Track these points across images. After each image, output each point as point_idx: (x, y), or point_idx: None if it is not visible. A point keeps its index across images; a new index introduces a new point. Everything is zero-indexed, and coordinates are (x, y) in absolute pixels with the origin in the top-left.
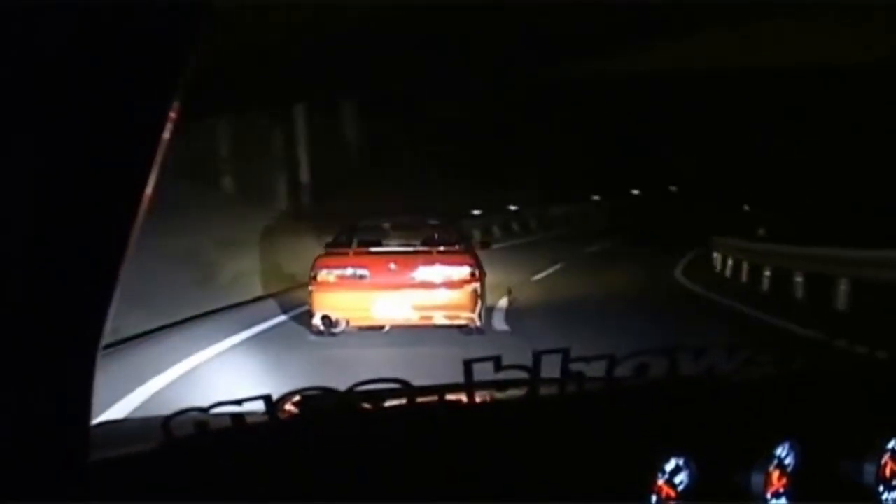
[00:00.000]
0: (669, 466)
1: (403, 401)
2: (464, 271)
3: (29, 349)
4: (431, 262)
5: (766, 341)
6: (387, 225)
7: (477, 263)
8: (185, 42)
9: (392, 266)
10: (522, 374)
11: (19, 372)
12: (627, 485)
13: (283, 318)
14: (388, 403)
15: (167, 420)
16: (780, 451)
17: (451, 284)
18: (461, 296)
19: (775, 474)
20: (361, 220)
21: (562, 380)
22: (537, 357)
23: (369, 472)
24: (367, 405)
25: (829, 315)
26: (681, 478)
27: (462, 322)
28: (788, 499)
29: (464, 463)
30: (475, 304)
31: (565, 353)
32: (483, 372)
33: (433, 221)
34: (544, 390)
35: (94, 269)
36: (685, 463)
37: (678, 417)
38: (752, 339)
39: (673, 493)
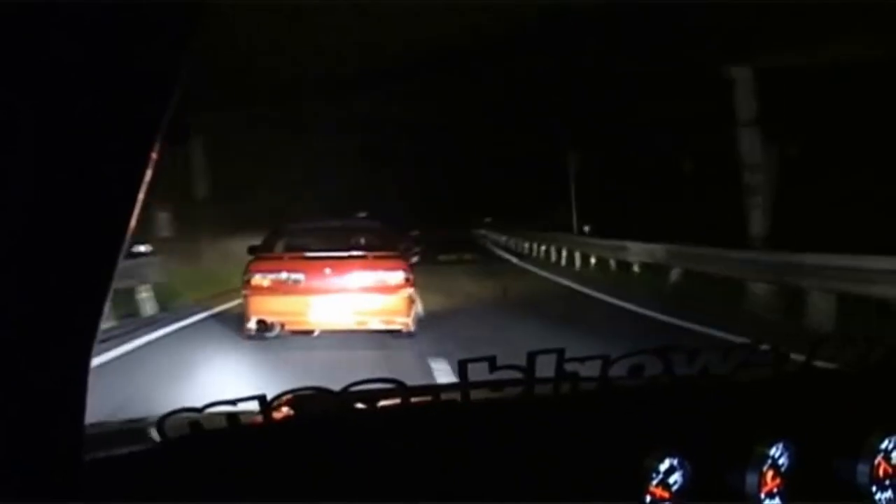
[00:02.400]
0: (663, 467)
1: (398, 401)
2: (398, 276)
3: (21, 349)
4: (367, 268)
5: (760, 341)
6: (318, 226)
7: (410, 268)
8: (182, 42)
9: (327, 271)
10: (516, 374)
11: (12, 372)
12: (621, 485)
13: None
14: (382, 403)
15: (161, 420)
16: (774, 451)
17: (386, 289)
18: (396, 301)
19: (769, 474)
20: (288, 223)
21: (556, 380)
22: (532, 357)
23: (364, 473)
24: (361, 405)
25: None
26: (675, 478)
27: (397, 327)
28: (782, 499)
29: (458, 463)
30: (410, 308)
31: (560, 354)
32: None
33: (366, 225)
34: (538, 390)
35: (87, 269)
36: (679, 463)
37: (672, 417)
38: (745, 339)
39: (667, 494)
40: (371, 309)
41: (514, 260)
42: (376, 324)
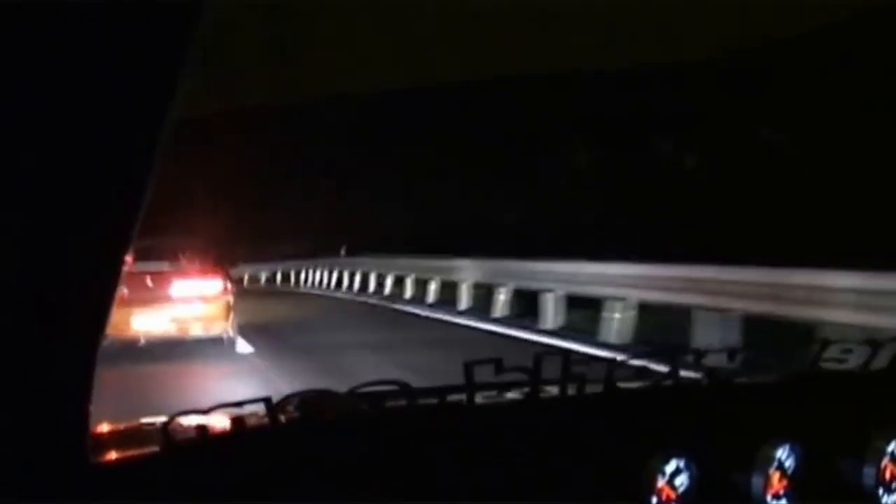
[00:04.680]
0: (669, 468)
1: (404, 402)
2: (216, 286)
3: (28, 352)
4: (186, 278)
5: (765, 344)
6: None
7: (228, 278)
8: (182, 41)
9: (149, 282)
10: (522, 376)
11: (19, 374)
12: (627, 487)
13: None
14: (388, 405)
15: (167, 422)
16: (780, 453)
17: (205, 298)
18: (215, 308)
19: (775, 476)
20: None
21: (562, 382)
22: (538, 359)
23: (370, 474)
24: (367, 407)
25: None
26: (681, 479)
27: (216, 333)
28: (788, 501)
29: (464, 464)
30: (228, 315)
31: (566, 356)
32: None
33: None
34: (544, 392)
35: (94, 271)
36: (685, 465)
37: (678, 419)
38: (751, 342)
39: (673, 495)
40: (191, 316)
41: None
42: (197, 330)
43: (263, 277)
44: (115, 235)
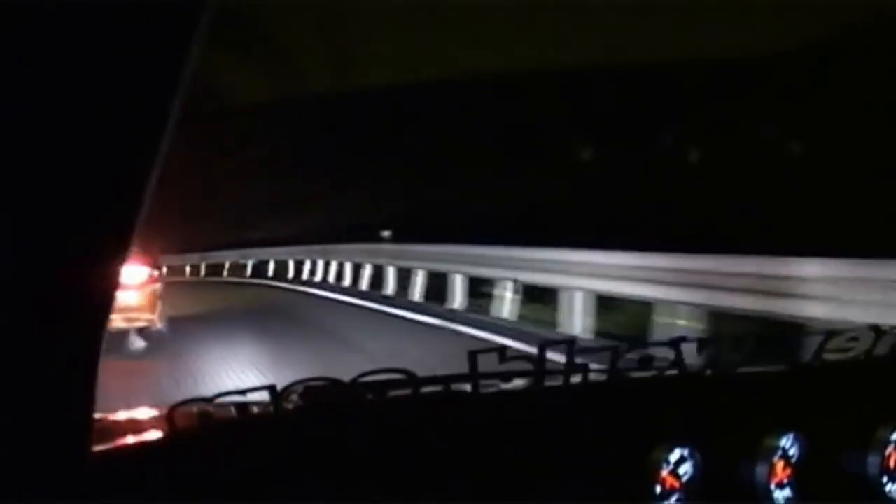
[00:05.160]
0: (674, 457)
1: (408, 391)
2: (142, 273)
3: (29, 350)
4: None
5: (771, 333)
6: None
7: (156, 266)
8: (186, 41)
9: None
10: (527, 365)
11: (22, 366)
12: (631, 476)
13: None
14: (392, 394)
15: (171, 410)
16: (785, 442)
17: (127, 287)
18: (140, 297)
19: (779, 465)
20: None
21: (566, 371)
22: (542, 347)
23: (374, 463)
24: (371, 395)
25: None
26: (685, 469)
27: (142, 324)
28: (792, 490)
29: (469, 453)
30: (155, 305)
31: (570, 344)
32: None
33: None
34: (549, 381)
35: (97, 264)
36: (689, 454)
37: (682, 408)
38: (757, 332)
39: (677, 484)
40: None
41: None
42: (120, 322)
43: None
44: (116, 232)
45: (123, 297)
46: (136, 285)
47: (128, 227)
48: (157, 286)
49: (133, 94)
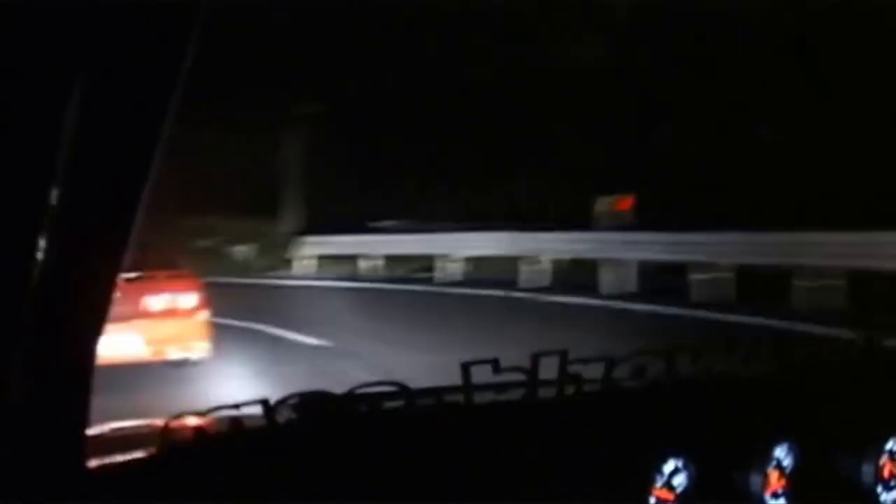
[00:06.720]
0: (668, 468)
1: (401, 403)
2: (192, 299)
3: (27, 354)
4: (158, 290)
5: (764, 341)
6: None
7: (203, 288)
8: (183, 40)
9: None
10: (520, 377)
11: (18, 377)
12: (625, 487)
13: None
14: (386, 406)
15: (164, 424)
16: (779, 451)
17: (181, 313)
18: (195, 326)
19: (774, 475)
20: None
21: (560, 382)
22: (535, 359)
23: (368, 476)
24: (365, 408)
25: None
26: (679, 479)
27: (198, 355)
28: (787, 499)
29: (462, 465)
30: (209, 333)
31: (563, 356)
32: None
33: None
34: (542, 393)
35: (92, 272)
36: (683, 464)
37: (676, 418)
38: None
39: (671, 496)
40: (167, 335)
41: None
42: (175, 353)
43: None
44: (114, 236)
45: (178, 326)
46: (187, 311)
47: (124, 233)
48: (208, 312)
49: (130, 97)
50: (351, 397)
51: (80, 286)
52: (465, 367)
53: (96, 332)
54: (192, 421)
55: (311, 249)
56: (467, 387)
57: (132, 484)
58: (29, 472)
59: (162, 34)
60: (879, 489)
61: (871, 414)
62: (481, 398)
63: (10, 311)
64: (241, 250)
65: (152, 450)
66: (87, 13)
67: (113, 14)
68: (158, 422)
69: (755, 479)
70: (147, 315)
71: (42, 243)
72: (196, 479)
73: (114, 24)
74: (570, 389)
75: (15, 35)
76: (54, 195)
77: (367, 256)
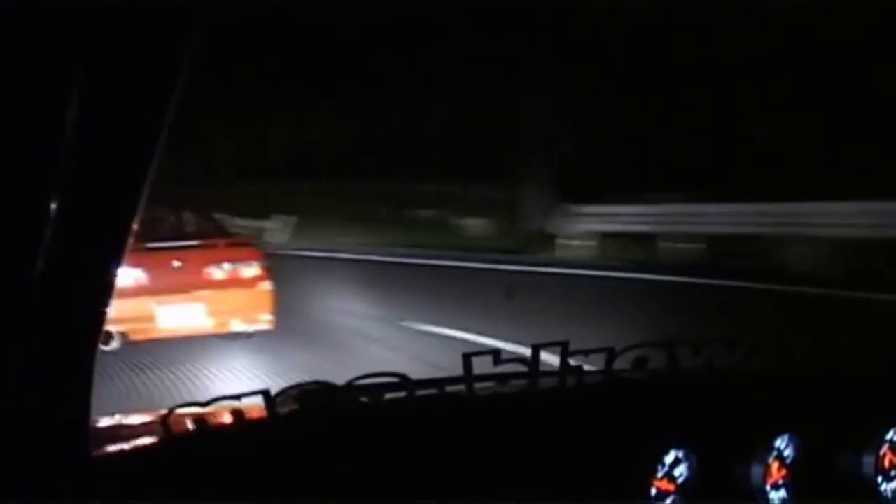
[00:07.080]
0: (669, 459)
1: (402, 394)
2: (255, 267)
3: (28, 348)
4: (220, 259)
5: (765, 334)
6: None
7: (265, 257)
8: (184, 40)
9: (176, 264)
10: (521, 367)
11: (19, 371)
12: (627, 478)
13: None
14: (387, 397)
15: (166, 415)
16: (780, 442)
17: (243, 283)
18: (259, 296)
19: (775, 466)
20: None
21: (561, 373)
22: (536, 350)
23: (369, 467)
24: (366, 399)
25: None
26: (680, 470)
27: (263, 326)
28: (788, 491)
29: (464, 456)
30: (273, 304)
31: (564, 346)
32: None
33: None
34: (543, 383)
35: (92, 267)
36: (685, 456)
37: (677, 410)
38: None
39: (672, 487)
40: (231, 307)
41: None
42: (238, 325)
43: None
44: (114, 235)
45: (242, 297)
46: (250, 280)
47: (122, 231)
48: (270, 282)
49: (130, 96)
50: (352, 388)
51: (80, 285)
52: (467, 358)
53: (98, 326)
54: (193, 411)
55: (588, 224)
56: (468, 378)
57: (134, 475)
58: (32, 463)
59: (162, 34)
60: (880, 480)
61: (872, 405)
62: (482, 389)
63: (10, 309)
64: (476, 223)
65: (154, 440)
66: (87, 14)
67: (113, 14)
68: (160, 412)
69: (756, 471)
70: (209, 285)
71: (42, 242)
72: (197, 469)
73: (114, 24)
74: (571, 380)
75: (15, 35)
76: (54, 195)
77: (670, 236)
